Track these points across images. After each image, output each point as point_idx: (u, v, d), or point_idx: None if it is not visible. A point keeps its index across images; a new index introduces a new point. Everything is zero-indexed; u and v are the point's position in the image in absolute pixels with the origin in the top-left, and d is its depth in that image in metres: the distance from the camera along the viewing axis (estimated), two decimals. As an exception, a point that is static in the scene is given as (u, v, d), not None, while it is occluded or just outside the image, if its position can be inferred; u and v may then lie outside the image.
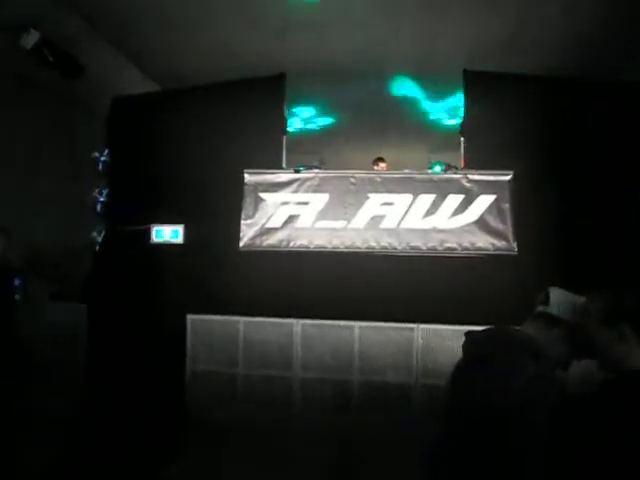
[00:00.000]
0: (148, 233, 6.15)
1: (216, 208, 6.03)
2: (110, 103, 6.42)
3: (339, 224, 5.91)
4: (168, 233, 6.15)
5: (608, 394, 1.54)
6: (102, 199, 6.37)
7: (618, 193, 5.63)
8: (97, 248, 6.33)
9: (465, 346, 2.05)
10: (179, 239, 6.13)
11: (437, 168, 6.17)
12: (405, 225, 5.82)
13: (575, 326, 1.84)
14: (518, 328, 2.08)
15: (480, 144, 5.93)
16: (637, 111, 5.77)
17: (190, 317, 5.86)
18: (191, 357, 5.80)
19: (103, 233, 6.33)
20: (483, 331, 2.04)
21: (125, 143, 6.42)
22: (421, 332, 5.53)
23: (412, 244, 5.79)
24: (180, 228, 6.14)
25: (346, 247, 5.87)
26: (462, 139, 6.05)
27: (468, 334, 2.06)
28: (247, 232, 6.02)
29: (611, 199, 5.61)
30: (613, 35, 5.35)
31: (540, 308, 2.08)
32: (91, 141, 6.59)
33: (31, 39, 5.59)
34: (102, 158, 6.36)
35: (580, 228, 5.56)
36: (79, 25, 5.88)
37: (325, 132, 7.44)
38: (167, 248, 6.12)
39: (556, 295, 2.06)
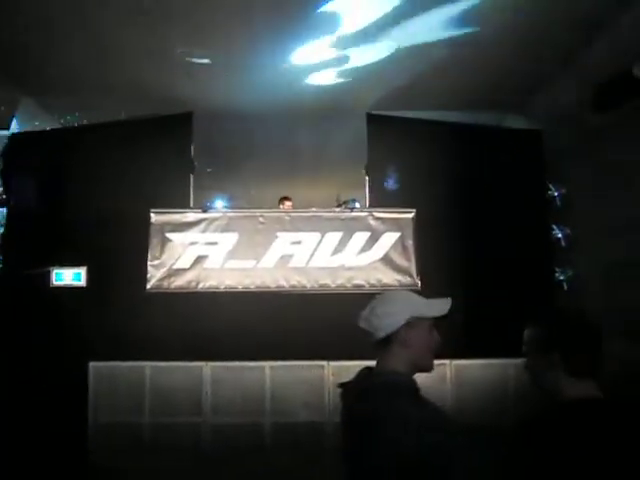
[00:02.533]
0: (48, 276, 5.85)
1: (121, 249, 5.83)
2: (8, 139, 6.11)
3: (249, 264, 5.90)
4: (69, 276, 5.88)
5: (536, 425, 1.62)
6: (-3, 239, 6.00)
7: (513, 228, 6.02)
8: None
9: (343, 398, 2.05)
10: (81, 282, 5.88)
11: (357, 204, 6.36)
12: (314, 263, 5.91)
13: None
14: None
15: (383, 183, 6.16)
16: (524, 151, 6.27)
17: (92, 364, 5.59)
18: (93, 407, 5.51)
19: (-1, 275, 5.95)
20: (356, 377, 2.03)
21: (24, 181, 6.11)
22: (332, 369, 5.62)
23: (321, 282, 5.87)
24: (82, 270, 5.89)
25: (256, 287, 5.86)
26: (367, 178, 6.26)
27: (342, 386, 2.06)
28: (154, 273, 5.88)
29: (507, 234, 6.00)
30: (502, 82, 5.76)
31: None
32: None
33: None
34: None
35: (480, 262, 5.89)
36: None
37: (234, 170, 7.44)
38: (68, 291, 5.84)
39: None
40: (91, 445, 5.45)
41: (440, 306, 1.96)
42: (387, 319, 1.91)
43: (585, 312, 1.85)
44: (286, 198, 6.66)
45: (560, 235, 6.16)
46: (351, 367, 2.33)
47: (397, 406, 1.76)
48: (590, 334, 1.70)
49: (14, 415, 5.37)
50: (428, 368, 1.96)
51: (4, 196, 6.07)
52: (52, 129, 6.37)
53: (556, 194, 6.18)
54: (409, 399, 1.80)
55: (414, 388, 1.89)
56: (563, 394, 1.65)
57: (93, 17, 4.74)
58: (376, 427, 1.77)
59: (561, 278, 6.16)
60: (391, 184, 6.03)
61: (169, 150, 6.16)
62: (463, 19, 4.78)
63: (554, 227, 6.19)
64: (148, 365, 5.58)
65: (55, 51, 5.29)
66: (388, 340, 1.91)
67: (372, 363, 2.35)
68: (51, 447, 5.24)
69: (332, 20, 4.82)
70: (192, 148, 6.23)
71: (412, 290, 5.75)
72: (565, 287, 6.13)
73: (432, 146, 6.11)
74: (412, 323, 1.92)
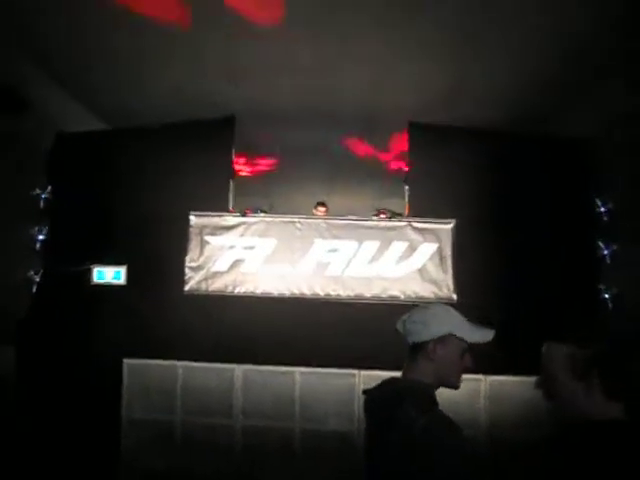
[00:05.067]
0: (89, 274, 6.00)
1: (161, 250, 5.92)
2: (54, 140, 6.31)
3: (285, 269, 5.90)
4: (110, 274, 6.01)
5: (571, 441, 1.57)
6: (42, 237, 6.19)
7: (557, 242, 5.85)
8: (34, 288, 6.12)
9: (365, 405, 2.07)
10: (121, 281, 6.00)
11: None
12: (350, 272, 5.86)
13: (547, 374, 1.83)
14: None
15: (423, 193, 6.08)
16: (571, 163, 6.08)
17: (127, 361, 5.70)
18: (127, 403, 5.62)
19: (41, 273, 6.13)
20: (379, 386, 2.04)
21: (68, 181, 6.30)
22: (363, 378, 5.56)
23: (356, 291, 5.82)
24: (123, 269, 6.01)
25: (291, 293, 5.86)
26: (406, 187, 6.19)
27: (366, 392, 2.08)
28: (192, 275, 5.94)
29: (551, 248, 5.83)
30: (544, 90, 5.62)
31: None
32: (33, 178, 6.42)
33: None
34: (43, 195, 6.21)
35: (520, 277, 5.74)
36: (24, 61, 5.79)
37: (274, 177, 7.49)
38: (108, 289, 5.97)
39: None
40: (123, 441, 5.56)
41: (482, 334, 1.96)
42: (421, 327, 1.93)
43: (628, 334, 1.78)
44: (321, 204, 6.63)
45: (606, 252, 5.93)
46: (382, 377, 2.33)
47: (405, 412, 1.76)
48: (632, 358, 1.64)
49: (51, 411, 5.52)
50: (453, 386, 1.94)
51: (48, 195, 6.26)
52: (97, 130, 6.54)
53: (603, 209, 5.96)
54: (420, 407, 1.78)
55: (430, 398, 1.87)
56: (592, 416, 1.59)
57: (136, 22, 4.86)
58: (385, 432, 1.80)
59: (606, 296, 5.93)
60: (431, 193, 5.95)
61: (211, 154, 6.22)
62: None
63: (600, 243, 5.97)
64: (181, 365, 5.66)
65: (101, 55, 5.47)
66: (417, 348, 1.93)
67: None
68: (85, 442, 5.38)
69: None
70: (233, 152, 6.29)
71: (448, 303, 5.69)
72: (610, 305, 5.91)
73: (474, 155, 5.98)
74: (446, 339, 1.92)
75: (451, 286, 5.73)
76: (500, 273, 5.70)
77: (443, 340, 1.91)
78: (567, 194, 6.00)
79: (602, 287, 5.96)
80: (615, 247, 5.88)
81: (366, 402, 2.04)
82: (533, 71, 5.21)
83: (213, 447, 5.45)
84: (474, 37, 4.89)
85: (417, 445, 1.69)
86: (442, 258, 5.79)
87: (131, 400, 5.62)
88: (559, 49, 4.87)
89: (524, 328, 5.47)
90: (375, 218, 6.23)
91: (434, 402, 1.88)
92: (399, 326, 2.00)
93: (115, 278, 6.02)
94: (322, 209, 6.58)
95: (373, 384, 2.08)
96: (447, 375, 1.92)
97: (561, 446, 1.60)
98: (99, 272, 6.02)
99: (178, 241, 5.98)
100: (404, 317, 1.99)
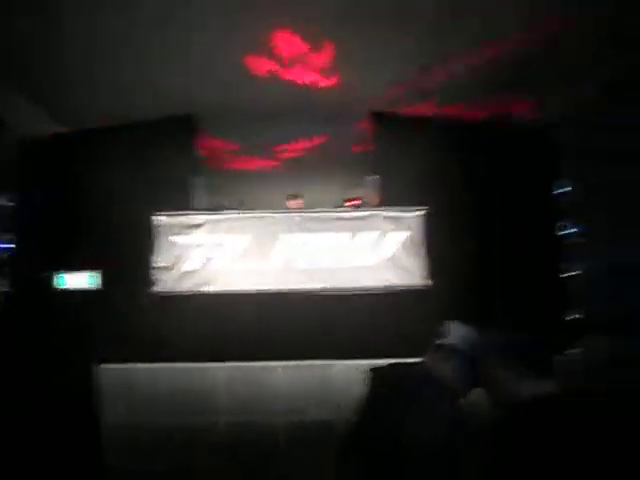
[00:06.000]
0: (53, 280, 5.86)
1: (130, 252, 5.83)
2: (16, 146, 6.10)
3: (256, 265, 5.88)
4: (76, 280, 5.88)
5: (505, 423, 1.65)
6: (6, 246, 6.01)
7: (525, 229, 5.99)
8: (2, 297, 5.95)
9: (371, 381, 2.16)
10: (90, 286, 5.88)
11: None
12: (321, 264, 5.88)
13: (472, 358, 1.95)
14: (419, 360, 2.21)
15: (392, 182, 6.12)
16: (534, 148, 6.22)
17: (104, 367, 5.60)
18: (106, 409, 5.53)
19: (6, 281, 5.96)
20: (387, 366, 2.16)
21: (30, 187, 6.11)
22: (340, 368, 5.61)
23: (329, 283, 5.83)
24: (91, 274, 5.89)
25: (265, 288, 5.83)
26: (375, 177, 6.22)
27: (373, 370, 2.18)
28: (162, 277, 5.86)
29: (517, 232, 5.97)
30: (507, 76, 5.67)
31: (440, 340, 2.21)
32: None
33: None
34: (6, 203, 6.02)
35: (489, 261, 5.86)
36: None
37: (240, 171, 7.41)
38: (77, 295, 5.84)
39: (456, 328, 2.20)
40: (105, 447, 5.48)
41: None
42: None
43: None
44: (295, 195, 6.53)
45: (570, 232, 6.11)
46: (360, 366, 2.44)
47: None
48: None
49: (26, 423, 5.39)
50: None
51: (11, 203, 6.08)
52: (57, 133, 6.33)
53: (565, 191, 6.13)
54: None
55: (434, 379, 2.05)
56: (523, 396, 1.68)
57: (96, 16, 4.69)
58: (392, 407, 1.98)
59: (568, 275, 6.12)
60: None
61: (173, 152, 6.14)
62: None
63: (563, 224, 6.14)
64: (159, 367, 5.60)
65: (57, 52, 5.26)
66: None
67: (382, 363, 2.39)
68: (64, 451, 5.29)
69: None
70: (196, 150, 6.20)
71: (421, 290, 5.71)
72: (572, 285, 6.11)
73: (440, 143, 6.05)
74: None
75: (423, 273, 5.79)
76: (470, 258, 5.80)
77: None
78: (531, 178, 6.15)
79: (566, 266, 6.15)
80: (578, 228, 6.06)
81: (380, 381, 2.24)
82: (496, 58, 5.25)
83: (198, 447, 5.43)
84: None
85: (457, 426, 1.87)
86: (414, 246, 5.85)
87: (110, 406, 5.53)
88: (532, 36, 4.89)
89: (494, 311, 5.63)
90: (344, 209, 6.23)
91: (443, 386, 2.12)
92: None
93: (83, 284, 5.89)
94: (295, 202, 6.45)
95: (352, 373, 2.23)
96: None
97: (497, 428, 1.67)
98: (62, 278, 5.89)
99: (146, 242, 5.88)
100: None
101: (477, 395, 2.00)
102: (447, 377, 2.04)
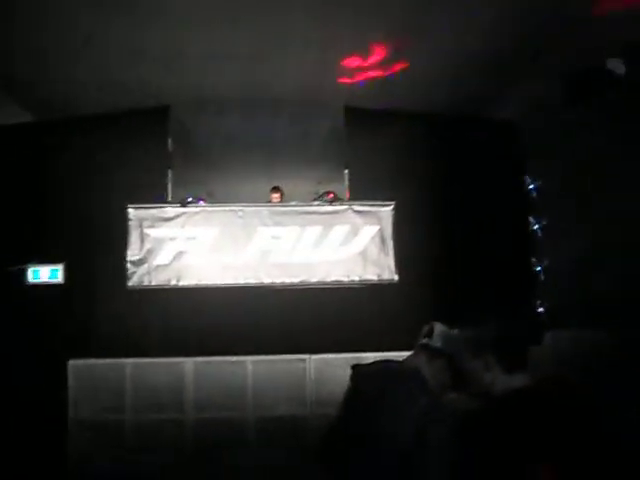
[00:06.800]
0: (24, 274, 5.78)
1: (100, 245, 5.80)
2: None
3: (229, 259, 5.88)
4: (46, 273, 5.81)
5: (475, 419, 1.67)
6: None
7: (490, 218, 6.08)
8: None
9: (354, 379, 2.16)
10: (59, 279, 5.81)
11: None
12: (293, 258, 5.91)
13: (452, 357, 2.00)
14: (401, 360, 2.25)
15: (363, 176, 6.17)
16: (504, 144, 6.32)
17: (72, 362, 5.56)
18: (73, 405, 5.49)
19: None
20: (371, 364, 2.16)
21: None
22: (313, 362, 5.65)
23: (301, 277, 5.87)
24: (60, 267, 5.82)
25: (237, 282, 5.84)
26: (346, 171, 6.26)
27: (356, 367, 2.18)
28: (134, 270, 5.83)
29: (485, 226, 6.06)
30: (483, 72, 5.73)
31: (424, 340, 2.25)
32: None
33: None
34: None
35: (458, 255, 5.95)
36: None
37: (212, 164, 7.38)
38: (46, 289, 5.78)
39: (438, 328, 2.24)
40: (71, 443, 5.45)
41: None
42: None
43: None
44: (276, 188, 6.55)
45: (537, 227, 6.22)
46: (332, 360, 2.44)
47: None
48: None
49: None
50: None
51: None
52: (28, 122, 6.24)
53: (532, 186, 6.24)
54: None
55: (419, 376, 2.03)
56: (493, 389, 1.73)
57: (68, 9, 4.64)
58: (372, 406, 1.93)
59: (538, 268, 6.24)
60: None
61: (146, 145, 6.11)
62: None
63: (531, 219, 6.25)
64: (129, 362, 5.57)
65: (27, 42, 5.19)
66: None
67: (353, 357, 2.42)
68: (31, 446, 5.24)
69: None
70: (170, 142, 6.17)
71: (391, 284, 5.74)
72: (541, 277, 6.22)
73: (410, 138, 6.13)
74: None
75: (392, 267, 5.86)
76: (439, 252, 5.89)
77: None
78: (500, 174, 6.25)
79: (534, 260, 6.27)
80: (545, 222, 6.17)
81: (354, 377, 2.20)
82: (472, 54, 5.29)
83: (165, 443, 5.41)
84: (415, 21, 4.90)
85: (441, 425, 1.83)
86: (383, 240, 5.91)
87: (78, 402, 5.48)
88: (499, 32, 4.94)
89: (463, 304, 5.71)
90: (316, 203, 6.24)
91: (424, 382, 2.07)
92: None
93: (52, 277, 5.82)
94: (275, 195, 6.45)
95: (323, 368, 2.20)
96: None
97: (467, 419, 1.70)
98: (35, 271, 5.81)
99: (118, 235, 5.84)
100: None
101: (456, 392, 2.05)
102: (430, 377, 2.08)
